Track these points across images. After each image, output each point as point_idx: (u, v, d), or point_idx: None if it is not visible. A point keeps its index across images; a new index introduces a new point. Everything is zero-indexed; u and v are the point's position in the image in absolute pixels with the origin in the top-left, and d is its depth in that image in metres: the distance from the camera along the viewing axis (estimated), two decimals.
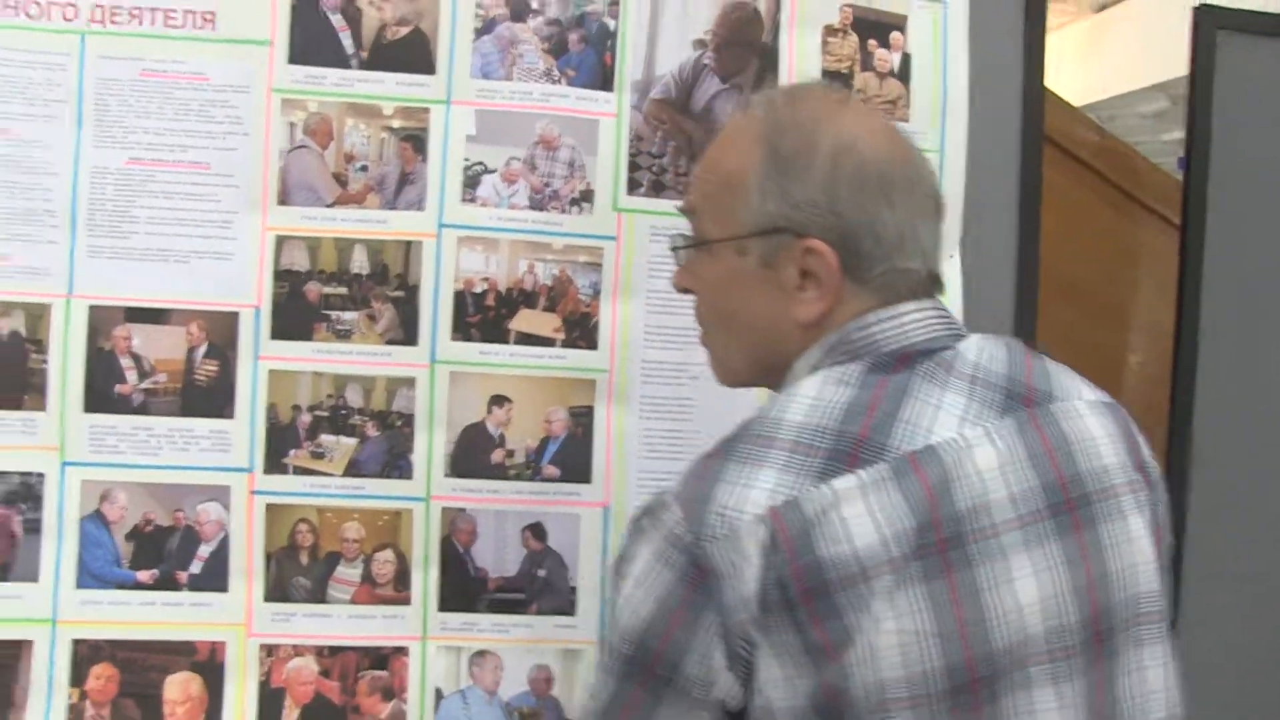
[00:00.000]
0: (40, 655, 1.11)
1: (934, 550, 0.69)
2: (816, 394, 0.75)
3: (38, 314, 1.11)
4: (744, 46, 1.23)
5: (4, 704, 1.10)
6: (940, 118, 1.29)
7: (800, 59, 1.25)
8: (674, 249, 0.89)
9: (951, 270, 1.26)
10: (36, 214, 1.12)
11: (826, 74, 1.26)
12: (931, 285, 0.82)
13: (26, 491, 1.11)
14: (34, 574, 1.11)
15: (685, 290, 0.88)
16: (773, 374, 0.82)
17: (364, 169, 1.16)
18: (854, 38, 1.27)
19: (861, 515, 0.68)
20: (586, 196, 1.19)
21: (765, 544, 0.68)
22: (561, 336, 1.18)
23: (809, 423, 0.73)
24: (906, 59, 1.28)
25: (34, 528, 1.11)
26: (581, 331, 1.18)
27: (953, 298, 1.24)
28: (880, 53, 1.27)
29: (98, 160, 1.13)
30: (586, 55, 1.20)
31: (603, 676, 0.74)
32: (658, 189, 1.22)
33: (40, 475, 1.11)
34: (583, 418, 1.18)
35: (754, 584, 0.68)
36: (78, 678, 1.11)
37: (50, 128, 1.13)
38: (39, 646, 1.11)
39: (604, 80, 1.20)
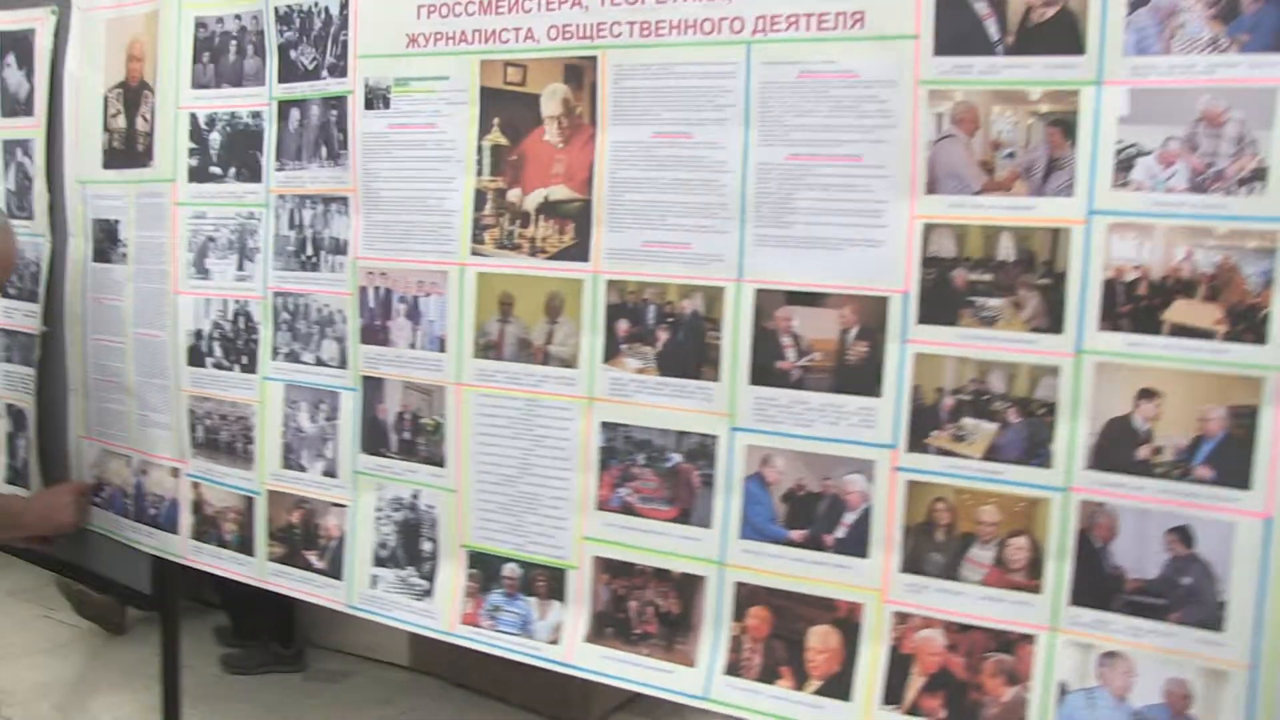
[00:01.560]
0: (711, 590, 1.38)
1: None
2: None
3: (714, 296, 1.36)
4: None
5: (686, 624, 1.38)
6: None
7: None
8: None
9: None
10: (712, 207, 1.37)
11: None
12: None
13: (703, 450, 1.37)
14: (707, 521, 1.38)
15: None
16: None
17: (1011, 156, 1.24)
18: None
19: None
20: (1258, 175, 1.16)
21: None
22: (1224, 329, 1.16)
23: None
24: None
25: (708, 482, 1.37)
26: (1248, 324, 1.16)
27: None
28: None
29: (762, 157, 1.35)
30: (1265, 14, 1.15)
31: None
32: None
33: (714, 437, 1.37)
34: (1245, 418, 1.16)
35: None
36: (739, 614, 1.37)
37: (722, 130, 1.37)
38: (710, 583, 1.38)
39: None
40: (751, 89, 1.35)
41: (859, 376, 1.30)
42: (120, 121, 2.03)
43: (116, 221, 2.04)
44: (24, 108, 2.21)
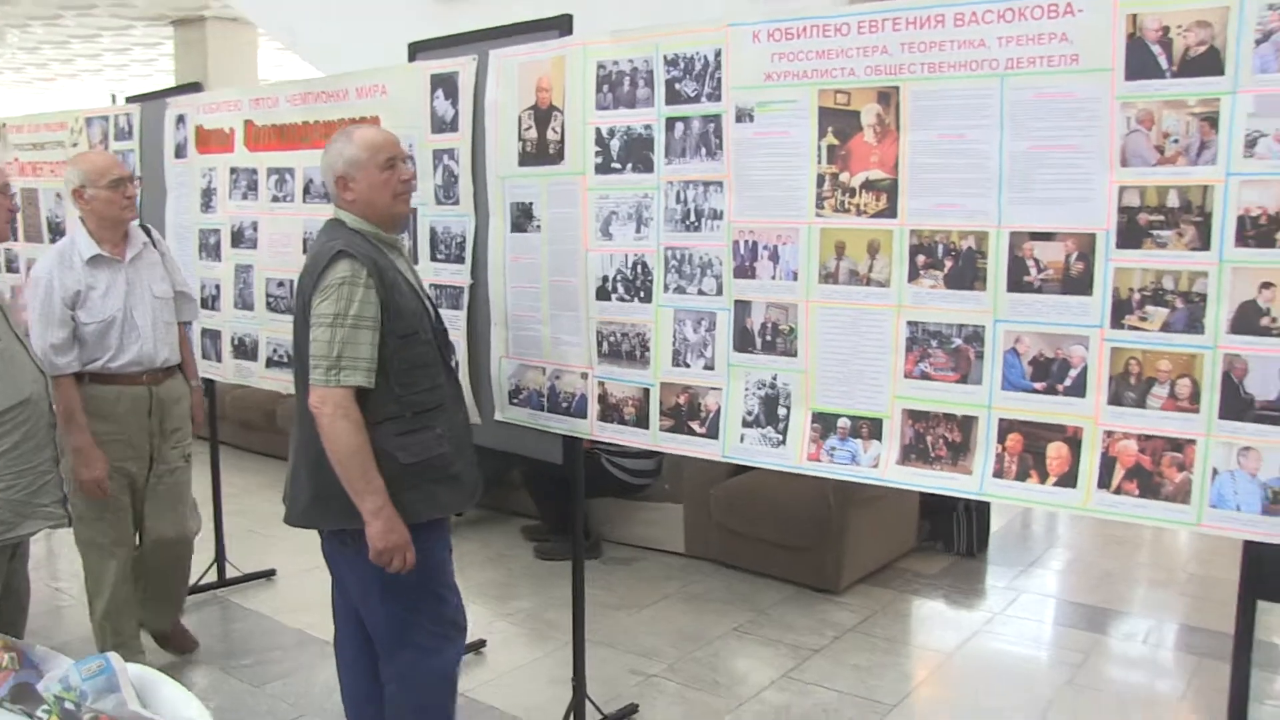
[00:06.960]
0: (982, 425, 2.43)
1: None
2: None
3: (982, 237, 2.39)
4: None
5: (965, 449, 2.43)
6: None
7: None
8: None
9: None
10: (979, 181, 2.39)
11: None
12: None
13: (976, 335, 2.42)
14: (979, 380, 2.42)
15: None
16: None
17: (1175, 141, 2.22)
18: None
19: None
20: None
21: None
22: None
23: None
24: None
25: (980, 355, 2.41)
26: None
27: None
28: None
29: (1013, 148, 2.36)
30: None
31: None
32: None
33: (983, 327, 2.41)
34: None
35: None
36: (1001, 439, 2.40)
37: (985, 132, 2.38)
38: (981, 420, 2.43)
39: None
40: (1004, 105, 2.36)
41: (1078, 284, 2.31)
42: (532, 133, 3.21)
43: (530, 203, 3.23)
44: (449, 126, 3.43)
